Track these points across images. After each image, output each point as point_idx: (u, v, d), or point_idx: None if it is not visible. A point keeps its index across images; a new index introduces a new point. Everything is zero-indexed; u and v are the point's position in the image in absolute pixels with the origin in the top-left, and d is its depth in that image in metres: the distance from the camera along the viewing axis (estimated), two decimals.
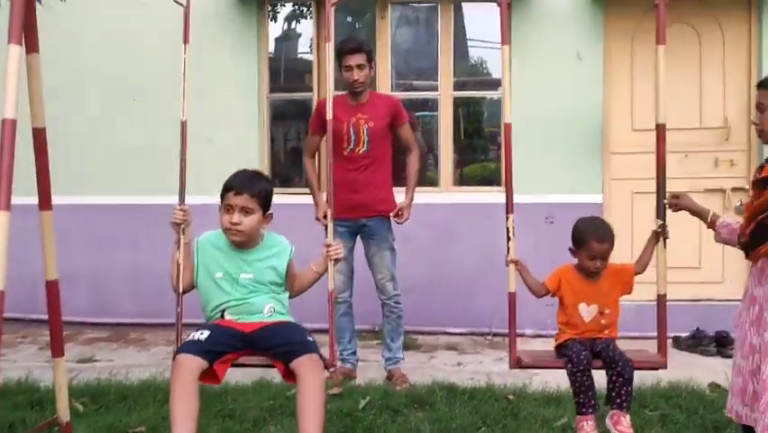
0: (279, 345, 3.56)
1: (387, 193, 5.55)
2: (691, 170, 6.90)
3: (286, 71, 7.88)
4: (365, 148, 5.37)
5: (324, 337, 3.81)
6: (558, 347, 3.86)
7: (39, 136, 3.71)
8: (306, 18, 7.68)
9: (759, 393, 3.32)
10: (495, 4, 3.86)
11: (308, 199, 5.69)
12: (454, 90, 7.31)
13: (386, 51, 7.26)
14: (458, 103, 7.45)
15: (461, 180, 7.52)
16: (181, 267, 3.76)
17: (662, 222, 3.79)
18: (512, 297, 3.77)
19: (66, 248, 6.85)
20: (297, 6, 7.64)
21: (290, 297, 3.84)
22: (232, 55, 7.18)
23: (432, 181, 7.41)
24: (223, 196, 3.72)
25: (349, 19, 7.93)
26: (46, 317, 3.72)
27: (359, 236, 5.54)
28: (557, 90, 6.97)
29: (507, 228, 3.76)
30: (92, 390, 5.20)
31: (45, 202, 3.80)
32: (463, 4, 7.42)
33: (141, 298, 7.31)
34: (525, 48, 6.94)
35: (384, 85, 7.25)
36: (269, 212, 3.76)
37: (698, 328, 6.55)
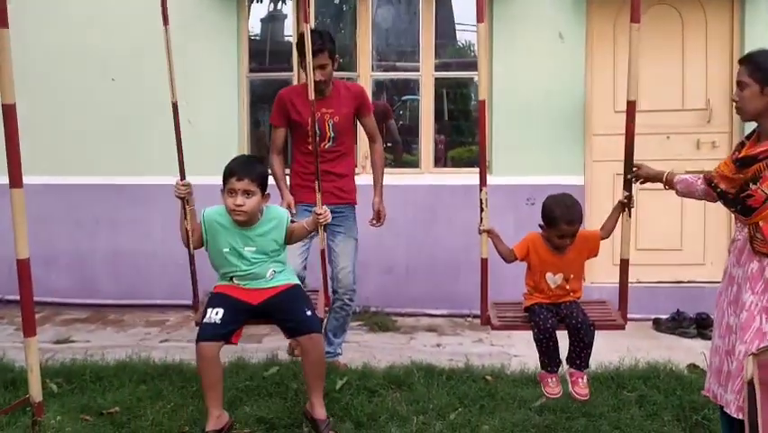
0: (285, 319, 4.17)
1: (352, 183, 5.42)
2: (673, 151, 6.88)
3: (267, 52, 7.81)
4: (331, 144, 5.20)
5: None
6: (527, 309, 4.15)
7: (8, 112, 3.65)
8: None
9: (733, 373, 3.32)
10: None
11: None
12: (436, 71, 7.25)
13: (366, 31, 7.20)
14: (442, 85, 7.41)
15: (447, 163, 7.49)
16: (190, 232, 4.21)
17: (627, 193, 3.97)
18: (484, 262, 4.07)
19: (46, 229, 6.87)
20: None
21: (288, 244, 4.34)
22: (211, 35, 7.10)
23: (413, 163, 7.37)
24: (225, 180, 4.12)
25: None
26: None
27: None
28: (539, 72, 6.93)
29: (481, 199, 3.97)
30: (67, 370, 5.17)
31: (16, 179, 3.74)
32: None
33: (121, 279, 7.27)
34: (507, 29, 6.90)
35: (365, 66, 7.19)
36: (267, 192, 4.21)
37: (678, 310, 6.55)
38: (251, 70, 7.31)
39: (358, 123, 5.49)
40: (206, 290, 4.37)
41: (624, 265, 4.09)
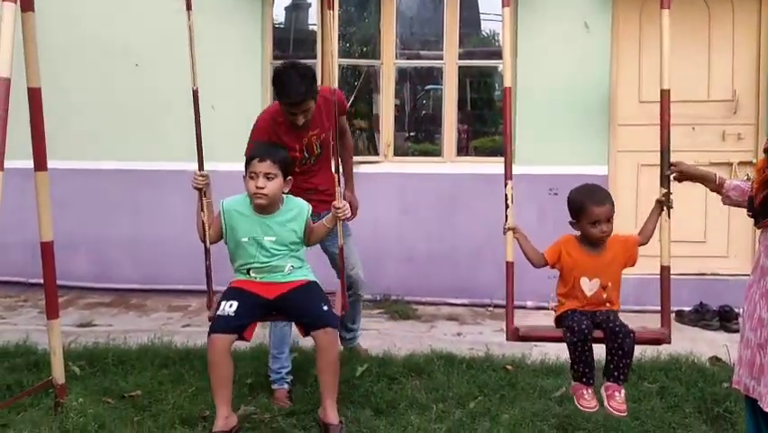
0: (301, 315, 4.09)
1: (333, 184, 4.69)
2: (698, 142, 6.81)
3: (291, 40, 7.80)
4: (317, 156, 4.87)
5: None
6: (558, 319, 3.77)
7: (34, 96, 3.68)
8: None
9: (766, 367, 3.28)
10: None
11: None
12: (459, 60, 7.22)
13: (390, 19, 7.16)
14: (466, 74, 7.37)
15: (470, 152, 7.46)
16: (207, 225, 4.13)
17: (666, 190, 3.69)
18: (509, 266, 3.70)
19: (67, 214, 6.90)
20: None
21: (307, 245, 4.29)
22: (235, 22, 7.09)
23: (435, 152, 7.36)
24: (247, 165, 4.09)
25: None
26: None
27: None
28: (564, 61, 6.87)
29: (506, 195, 3.68)
30: (89, 353, 5.22)
31: (41, 163, 3.78)
32: None
33: (142, 264, 7.30)
34: (532, 17, 6.85)
35: (389, 54, 7.17)
36: (289, 177, 4.18)
37: (701, 303, 6.51)
38: (275, 58, 7.30)
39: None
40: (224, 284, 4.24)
41: (665, 273, 3.72)
